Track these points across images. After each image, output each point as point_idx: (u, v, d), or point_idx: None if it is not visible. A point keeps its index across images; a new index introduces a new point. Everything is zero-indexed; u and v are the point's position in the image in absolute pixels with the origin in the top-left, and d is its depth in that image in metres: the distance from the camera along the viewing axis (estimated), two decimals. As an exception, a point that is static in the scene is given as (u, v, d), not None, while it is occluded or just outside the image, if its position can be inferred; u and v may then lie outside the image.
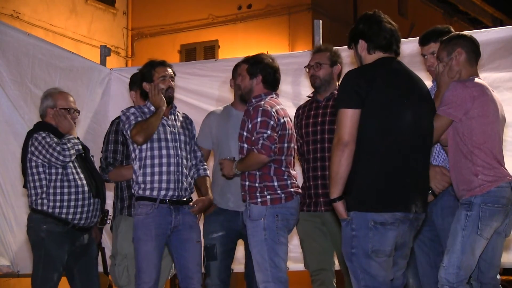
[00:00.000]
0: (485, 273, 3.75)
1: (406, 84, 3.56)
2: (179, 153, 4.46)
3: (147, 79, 4.54)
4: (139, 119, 4.42)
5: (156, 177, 4.38)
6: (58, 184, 4.53)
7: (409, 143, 3.49)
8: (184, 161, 4.48)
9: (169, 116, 4.55)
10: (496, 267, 3.78)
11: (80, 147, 4.62)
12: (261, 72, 4.34)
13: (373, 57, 3.61)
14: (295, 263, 5.55)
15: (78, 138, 4.73)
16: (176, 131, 4.52)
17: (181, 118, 4.65)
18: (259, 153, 4.09)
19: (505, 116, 3.90)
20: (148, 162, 4.40)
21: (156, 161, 4.40)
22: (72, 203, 4.54)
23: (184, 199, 4.48)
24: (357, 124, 3.43)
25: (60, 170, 4.54)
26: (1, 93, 5.44)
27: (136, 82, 4.86)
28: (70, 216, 4.53)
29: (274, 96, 4.37)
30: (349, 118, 3.43)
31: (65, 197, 4.53)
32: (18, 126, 5.53)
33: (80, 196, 4.56)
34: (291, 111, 5.05)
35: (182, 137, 4.53)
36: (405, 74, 3.62)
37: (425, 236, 4.04)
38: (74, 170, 4.59)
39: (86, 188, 4.59)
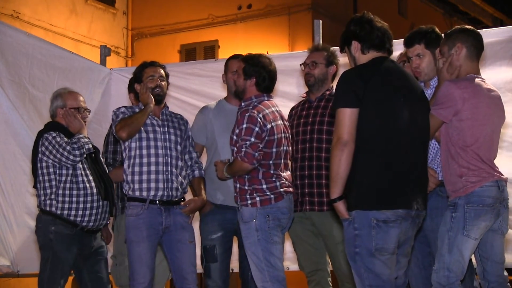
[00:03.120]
0: (489, 271, 3.75)
1: (401, 83, 3.56)
2: (168, 152, 4.45)
3: (138, 80, 4.57)
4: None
5: (145, 177, 4.38)
6: (68, 185, 4.53)
7: (408, 141, 3.49)
8: (174, 160, 4.46)
9: (160, 116, 4.54)
10: (499, 264, 3.77)
11: (90, 146, 4.61)
12: (255, 75, 4.34)
13: (367, 57, 3.61)
14: (295, 264, 5.55)
15: (88, 138, 4.73)
16: (166, 130, 4.50)
17: (174, 119, 4.63)
18: (242, 161, 4.14)
19: (505, 116, 3.88)
20: (137, 161, 4.40)
21: (145, 160, 4.39)
22: (81, 205, 4.53)
23: (175, 199, 4.47)
24: (356, 123, 3.43)
25: (70, 172, 4.54)
26: (0, 93, 5.43)
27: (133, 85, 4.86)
28: (78, 218, 4.53)
29: (266, 98, 4.36)
30: (347, 117, 3.42)
31: (74, 199, 4.52)
32: (18, 126, 5.53)
33: (89, 198, 4.55)
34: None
35: (173, 137, 4.51)
36: (400, 73, 3.62)
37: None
38: (83, 172, 4.58)
39: (94, 191, 4.57)
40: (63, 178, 4.53)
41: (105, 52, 6.65)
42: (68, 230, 4.51)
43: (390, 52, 3.67)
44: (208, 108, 4.91)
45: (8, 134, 5.53)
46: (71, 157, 4.47)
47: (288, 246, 5.09)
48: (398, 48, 4.19)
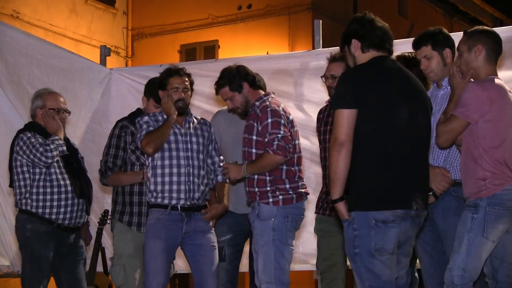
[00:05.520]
0: (498, 270, 3.74)
1: (401, 82, 3.56)
2: (190, 162, 4.42)
3: (162, 87, 4.49)
4: (151, 128, 4.40)
5: (167, 187, 4.37)
6: (41, 183, 4.56)
7: (407, 140, 3.49)
8: (196, 170, 4.43)
9: (183, 124, 4.50)
10: (509, 264, 3.76)
11: (64, 148, 4.62)
12: (243, 80, 4.33)
13: (367, 56, 3.60)
14: (295, 264, 5.54)
15: (67, 139, 4.74)
16: (188, 139, 4.47)
17: (197, 125, 4.57)
18: (275, 154, 4.07)
19: None
20: (159, 171, 4.39)
21: (167, 170, 4.37)
22: (55, 203, 4.56)
23: (197, 206, 4.44)
24: (354, 124, 3.43)
25: (43, 170, 4.57)
26: (0, 94, 5.43)
27: (151, 90, 4.80)
28: (53, 216, 4.56)
29: (273, 95, 4.37)
30: (345, 118, 3.43)
31: (48, 197, 4.56)
32: (18, 126, 5.50)
33: (63, 196, 4.58)
34: (293, 112, 5.03)
35: (195, 146, 4.48)
36: (400, 73, 3.62)
37: (428, 237, 4.03)
38: (58, 170, 4.61)
39: (69, 188, 4.61)
40: (37, 177, 4.57)
41: (105, 52, 6.65)
42: (44, 228, 4.55)
43: (390, 52, 3.66)
44: (221, 113, 4.94)
45: (8, 134, 5.51)
46: (43, 158, 4.49)
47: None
48: (398, 48, 4.19)
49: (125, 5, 13.51)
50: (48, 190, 4.56)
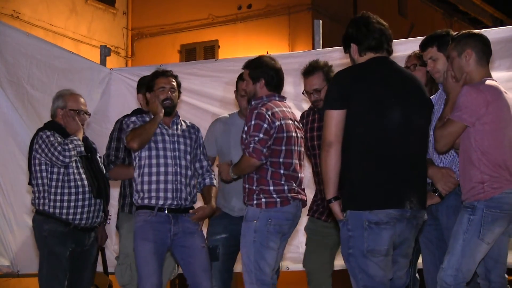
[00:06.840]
0: (492, 271, 3.75)
1: (398, 83, 3.57)
2: (177, 162, 4.44)
3: (149, 89, 4.55)
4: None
5: (154, 186, 4.38)
6: (60, 184, 4.57)
7: (400, 140, 3.50)
8: (183, 170, 4.46)
9: (171, 126, 4.52)
10: (502, 265, 3.78)
11: (82, 149, 4.64)
12: (263, 76, 4.33)
13: (365, 58, 3.63)
14: (295, 263, 5.55)
15: (86, 139, 4.76)
16: (176, 140, 4.49)
17: (184, 127, 4.60)
18: (250, 156, 4.10)
19: None
20: (146, 170, 4.40)
21: (154, 169, 4.39)
22: (72, 203, 4.56)
23: (184, 208, 4.45)
24: (342, 125, 3.47)
25: (62, 170, 4.58)
26: (0, 93, 5.44)
27: (143, 86, 4.84)
28: (70, 217, 4.56)
29: (277, 98, 4.34)
30: (333, 119, 3.48)
31: (65, 197, 4.56)
32: (17, 126, 5.54)
33: (80, 196, 4.59)
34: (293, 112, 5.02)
35: (182, 146, 4.50)
36: (396, 73, 3.63)
37: (433, 235, 4.05)
38: (76, 170, 4.62)
39: (87, 188, 4.61)
40: (55, 176, 4.58)
41: (105, 52, 6.65)
42: (61, 228, 4.56)
43: (389, 52, 3.67)
44: (219, 120, 4.96)
45: (7, 134, 5.54)
46: (60, 157, 4.51)
47: (288, 246, 5.09)
48: (398, 48, 4.20)
49: (125, 5, 13.51)
50: (66, 190, 4.57)
